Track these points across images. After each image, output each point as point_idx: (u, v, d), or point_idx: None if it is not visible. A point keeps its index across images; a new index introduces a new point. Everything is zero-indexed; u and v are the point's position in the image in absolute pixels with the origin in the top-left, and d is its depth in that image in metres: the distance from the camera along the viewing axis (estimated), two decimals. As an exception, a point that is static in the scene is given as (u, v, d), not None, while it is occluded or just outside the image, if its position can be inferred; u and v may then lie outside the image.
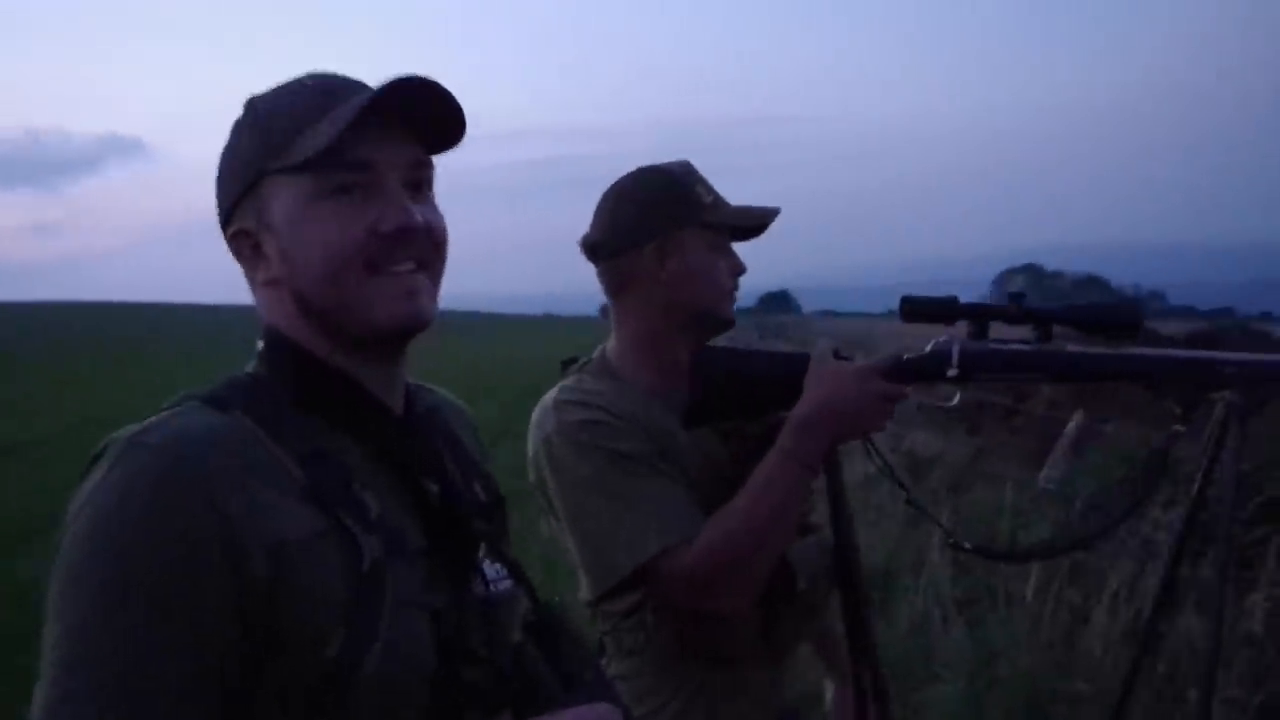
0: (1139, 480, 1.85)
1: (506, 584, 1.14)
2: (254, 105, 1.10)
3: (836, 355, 1.67)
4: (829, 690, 2.09)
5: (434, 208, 1.10)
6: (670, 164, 1.80)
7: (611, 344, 1.82)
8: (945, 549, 5.06)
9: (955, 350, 1.62)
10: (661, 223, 1.75)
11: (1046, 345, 1.63)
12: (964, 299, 1.66)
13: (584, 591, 1.71)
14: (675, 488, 1.66)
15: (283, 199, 1.05)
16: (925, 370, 1.64)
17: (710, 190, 1.78)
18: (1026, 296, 1.65)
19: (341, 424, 1.06)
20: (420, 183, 1.09)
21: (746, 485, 1.62)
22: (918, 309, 1.64)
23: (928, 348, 1.65)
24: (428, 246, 1.07)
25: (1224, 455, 1.70)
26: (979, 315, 1.65)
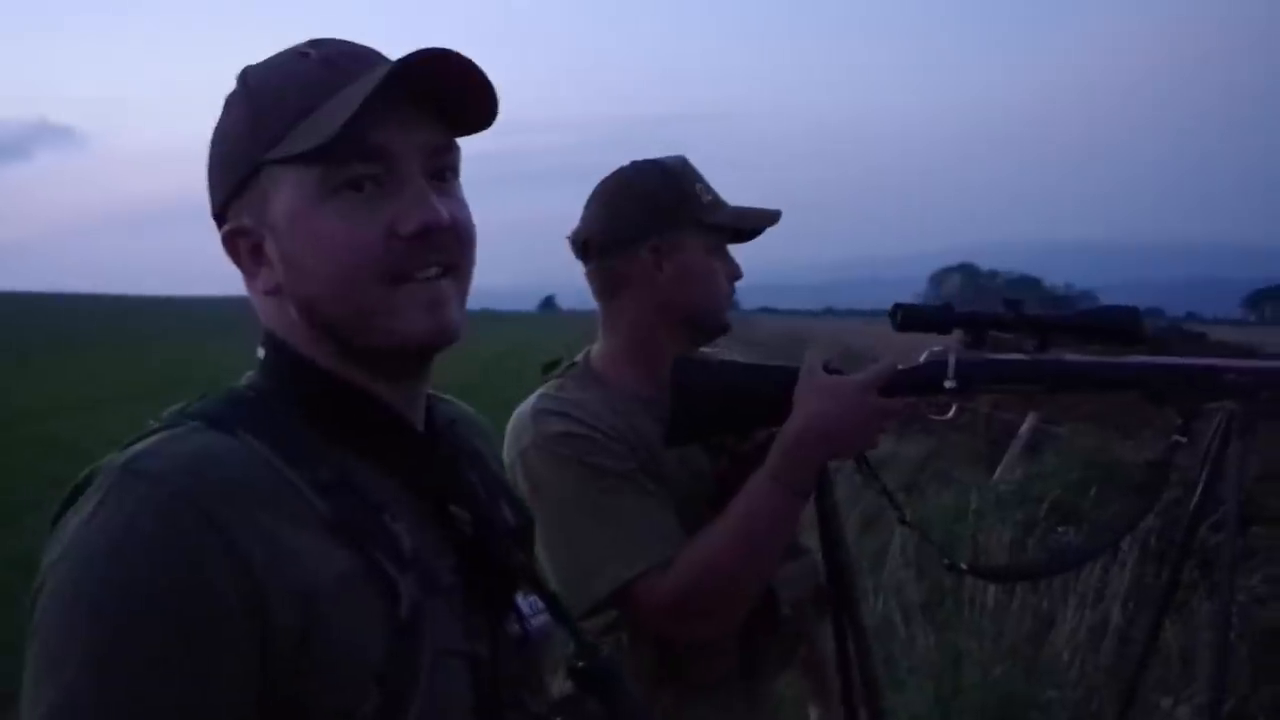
0: (1140, 492, 1.83)
1: (542, 620, 1.02)
2: (248, 79, 0.94)
3: (826, 368, 1.59)
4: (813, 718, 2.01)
5: (459, 199, 0.94)
6: (667, 159, 1.71)
7: (598, 348, 1.73)
8: (905, 550, 5.02)
9: (952, 361, 1.55)
10: (659, 222, 1.66)
11: (1044, 355, 1.58)
12: (900, 297, 1.61)
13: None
14: (657, 507, 1.59)
15: (285, 194, 0.89)
16: (921, 382, 1.57)
17: (709, 189, 1.70)
18: (1024, 303, 1.59)
19: (362, 446, 0.92)
20: (443, 170, 0.93)
21: (729, 508, 1.54)
22: (912, 317, 1.58)
23: (922, 358, 1.58)
24: (454, 247, 0.92)
25: (1228, 463, 1.67)
26: (975, 324, 1.59)
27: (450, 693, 0.89)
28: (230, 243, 0.94)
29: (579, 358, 1.74)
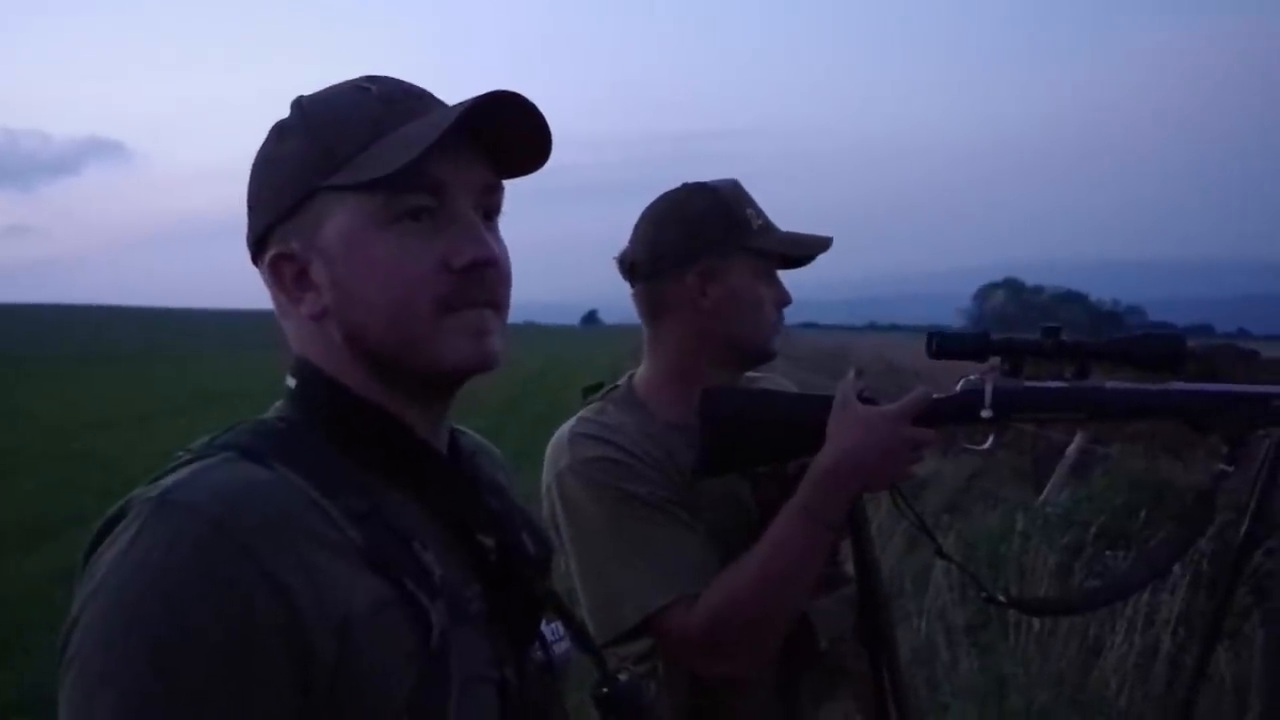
0: (1187, 521, 1.76)
1: (565, 646, 1.04)
2: (304, 108, 0.95)
3: (861, 397, 1.56)
4: None
5: (500, 239, 0.97)
6: (718, 182, 1.69)
7: (642, 371, 1.72)
8: (949, 572, 4.94)
9: (988, 390, 1.52)
10: (707, 246, 1.64)
11: (1084, 382, 1.54)
12: (943, 313, 1.57)
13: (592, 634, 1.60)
14: (691, 536, 1.57)
15: (339, 220, 0.91)
16: (957, 412, 1.54)
17: (760, 214, 1.68)
18: (1062, 329, 1.56)
19: (391, 473, 0.93)
20: (491, 209, 0.97)
21: (760, 541, 1.51)
22: (948, 346, 1.55)
23: (958, 387, 1.55)
24: (498, 283, 0.95)
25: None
26: (1012, 351, 1.55)
27: (479, 716, 0.90)
28: (275, 266, 0.94)
29: (622, 380, 1.73)
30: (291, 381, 0.96)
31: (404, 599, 0.85)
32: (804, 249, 1.69)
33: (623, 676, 1.06)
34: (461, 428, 1.13)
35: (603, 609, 1.56)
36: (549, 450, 1.65)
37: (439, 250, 0.91)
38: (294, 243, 0.93)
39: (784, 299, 1.69)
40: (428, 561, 0.89)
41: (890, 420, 1.50)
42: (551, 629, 1.03)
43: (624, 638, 1.55)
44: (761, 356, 1.70)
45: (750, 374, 1.79)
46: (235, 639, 0.76)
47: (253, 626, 0.77)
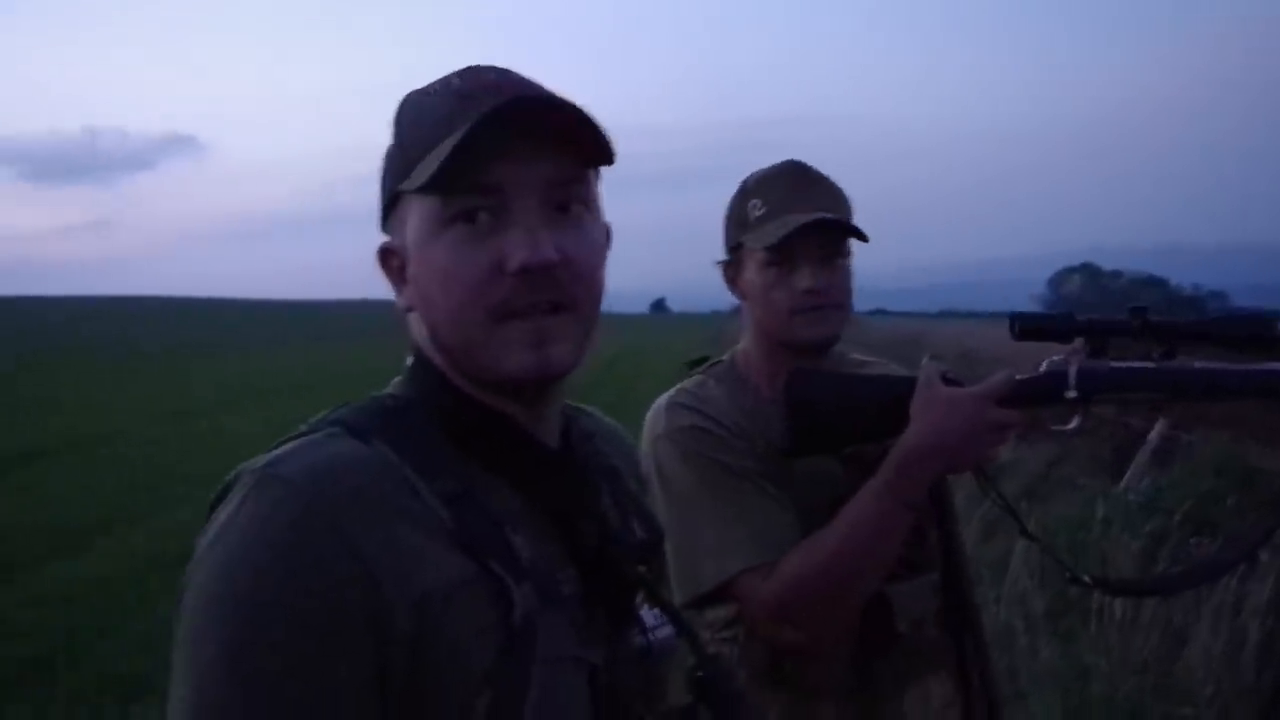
0: (1276, 507, 1.74)
1: (665, 632, 1.04)
2: (402, 108, 0.97)
3: (944, 378, 1.56)
4: None
5: (582, 232, 0.94)
6: (767, 168, 1.73)
7: (741, 346, 1.78)
8: (1028, 558, 4.88)
9: (1073, 371, 1.51)
10: (728, 239, 1.74)
11: (1171, 362, 1.51)
12: (1019, 298, 1.54)
13: (675, 597, 1.65)
14: (773, 506, 1.60)
15: (413, 222, 0.93)
16: (1041, 393, 1.52)
17: (767, 203, 1.68)
18: (1149, 310, 1.53)
19: (491, 461, 0.95)
20: (567, 202, 0.93)
21: (839, 517, 1.54)
22: (1031, 326, 1.54)
23: (1042, 367, 1.53)
24: (567, 283, 0.92)
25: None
26: (1097, 332, 1.53)
27: (567, 699, 0.91)
28: (383, 258, 0.98)
29: (727, 355, 1.79)
30: (409, 360, 1.00)
31: (488, 579, 0.87)
32: (779, 233, 1.63)
33: (716, 661, 1.07)
34: (587, 408, 1.16)
35: (684, 571, 1.60)
36: (648, 417, 1.72)
37: (494, 253, 0.90)
38: (395, 239, 0.97)
39: (799, 286, 1.65)
40: (516, 545, 0.90)
41: (974, 401, 1.51)
42: (653, 615, 1.03)
43: (702, 601, 1.60)
44: (792, 346, 1.68)
45: (859, 357, 1.82)
46: (321, 608, 0.81)
47: (338, 599, 0.81)
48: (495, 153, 0.89)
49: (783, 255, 1.65)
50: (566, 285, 0.92)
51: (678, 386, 1.74)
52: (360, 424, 0.91)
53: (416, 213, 0.92)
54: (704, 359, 1.81)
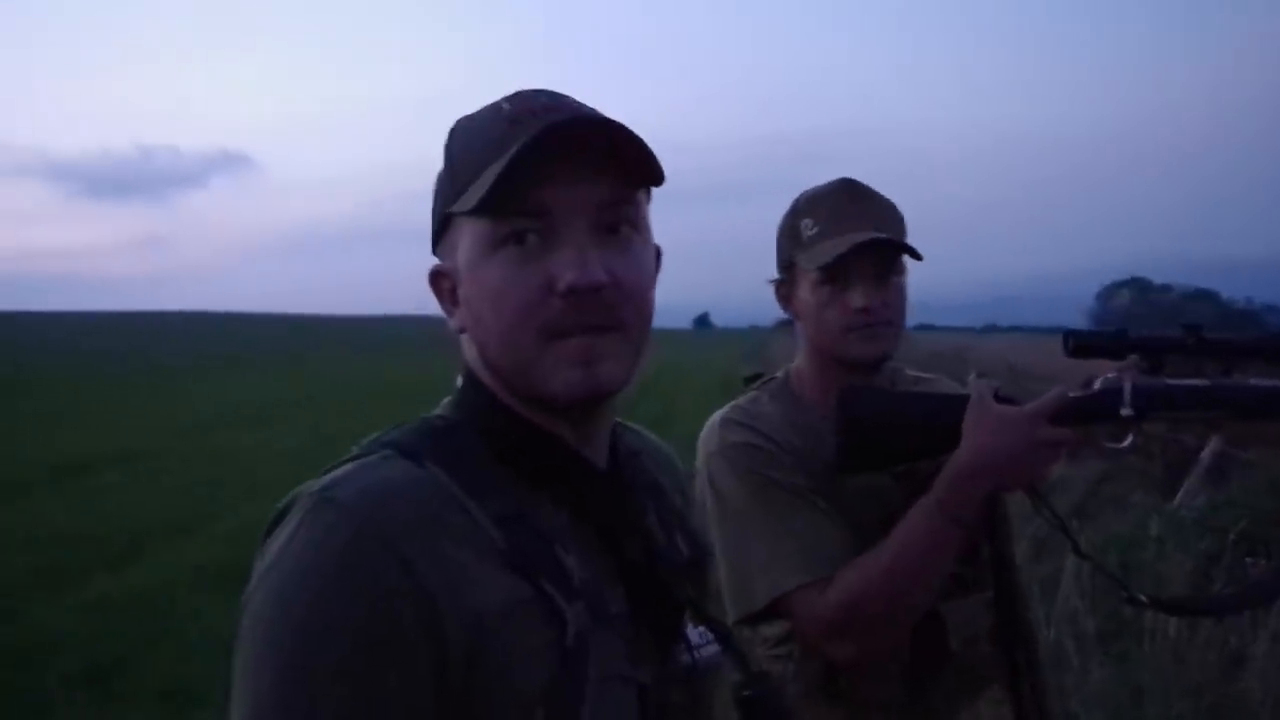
0: None
1: (712, 650, 1.04)
2: (453, 133, 0.99)
3: (997, 396, 1.55)
4: None
5: (631, 253, 0.95)
6: (819, 186, 1.73)
7: (795, 363, 1.78)
8: (1079, 577, 4.80)
9: (1128, 388, 1.49)
10: (780, 258, 1.74)
11: (1226, 380, 1.50)
12: (1066, 313, 1.52)
13: (728, 613, 1.66)
14: (825, 523, 1.60)
15: (464, 244, 0.95)
16: (1095, 411, 1.51)
17: (819, 222, 1.68)
18: (1204, 326, 1.52)
19: (540, 481, 0.96)
20: (616, 224, 0.94)
21: (892, 534, 1.53)
22: (1084, 343, 1.53)
23: (1096, 385, 1.52)
24: (616, 303, 0.93)
25: None
26: (1152, 349, 1.52)
27: (617, 714, 0.92)
28: (435, 281, 1.00)
29: (780, 372, 1.80)
30: (458, 382, 1.01)
31: (541, 599, 0.88)
32: (833, 253, 1.63)
33: (763, 679, 1.06)
34: (632, 425, 1.17)
35: (737, 587, 1.62)
36: (702, 434, 1.73)
37: (544, 275, 0.91)
38: (446, 262, 0.98)
39: (851, 304, 1.65)
40: (568, 564, 0.91)
41: (1027, 419, 1.50)
42: (698, 633, 1.03)
43: (756, 617, 1.62)
44: (844, 363, 1.68)
45: (914, 374, 1.82)
46: (377, 629, 0.82)
47: (393, 619, 0.82)
48: (545, 175, 0.90)
49: (836, 274, 1.64)
50: (615, 306, 0.92)
51: (731, 403, 1.75)
52: (412, 446, 0.93)
53: (467, 235, 0.94)
54: (759, 375, 1.82)
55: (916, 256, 1.66)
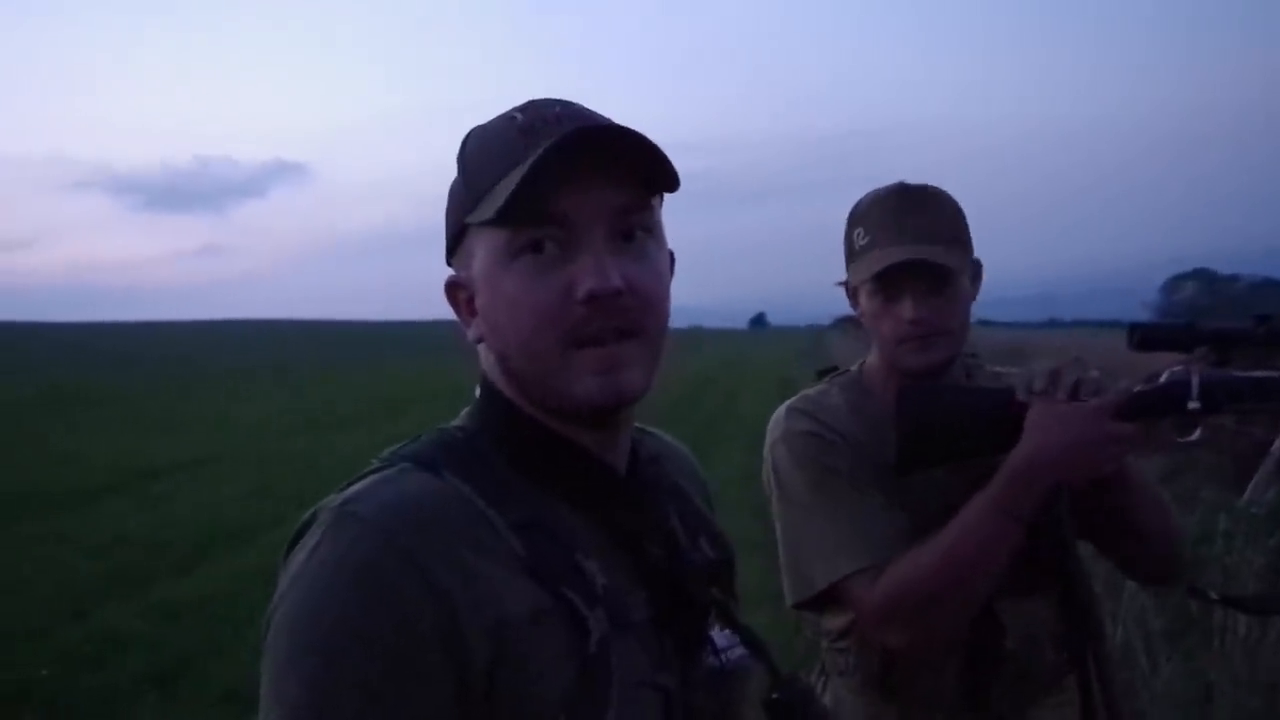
0: None
1: (739, 653, 1.03)
2: (466, 142, 1.00)
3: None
4: None
5: (647, 260, 0.95)
6: (876, 191, 1.72)
7: (869, 358, 1.80)
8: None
9: (1196, 381, 1.46)
10: (846, 264, 1.75)
11: None
12: (1129, 306, 1.49)
13: (786, 597, 1.70)
14: (883, 513, 1.61)
15: (480, 255, 0.96)
16: (1162, 404, 1.49)
17: (870, 231, 1.67)
18: (1274, 317, 1.50)
19: (560, 487, 0.97)
20: (632, 230, 0.94)
21: (949, 526, 1.53)
22: (1151, 336, 1.52)
23: (1163, 378, 1.50)
24: (634, 310, 0.93)
25: None
26: (1220, 340, 1.50)
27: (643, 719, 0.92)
28: (450, 292, 1.01)
29: (854, 366, 1.81)
30: (477, 392, 1.02)
31: (562, 606, 0.89)
32: (868, 271, 1.65)
33: (792, 682, 1.05)
34: (651, 429, 1.17)
35: (795, 573, 1.66)
36: (770, 422, 1.77)
37: (563, 282, 0.91)
38: (461, 272, 0.99)
39: (903, 315, 1.64)
40: (589, 571, 0.92)
41: (1091, 415, 1.47)
42: (725, 636, 1.02)
43: (812, 603, 1.65)
44: (903, 370, 1.68)
45: (996, 369, 1.81)
46: (399, 641, 0.83)
47: (414, 630, 0.83)
48: (561, 184, 0.90)
49: (887, 285, 1.64)
50: (634, 312, 0.93)
51: (800, 393, 1.79)
52: (430, 457, 0.94)
53: (484, 245, 0.94)
54: (833, 369, 1.84)
55: (950, 275, 1.63)
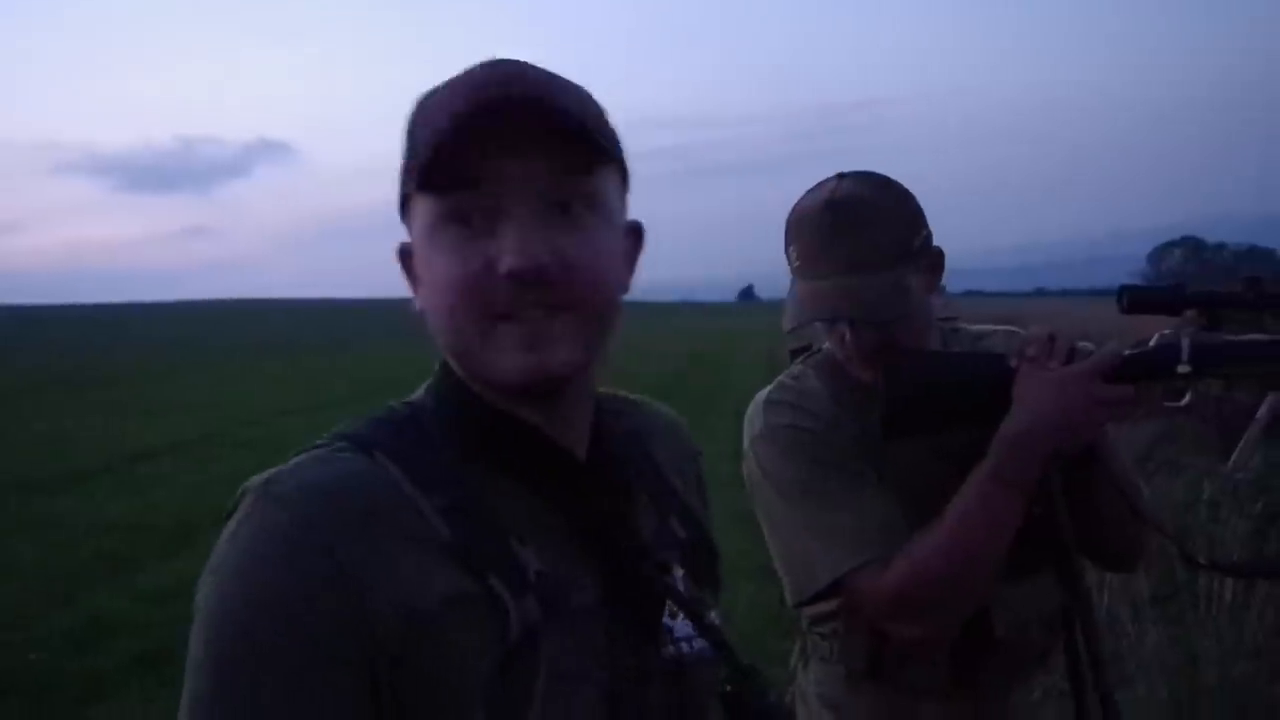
0: None
1: (701, 643, 0.98)
2: (413, 106, 0.95)
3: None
4: None
5: (583, 232, 0.90)
6: (807, 204, 1.64)
7: None
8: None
9: (1186, 344, 1.45)
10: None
11: None
12: (1116, 275, 1.47)
13: (786, 596, 1.65)
14: (879, 501, 1.57)
15: (417, 223, 0.93)
16: (1152, 367, 1.47)
17: (800, 255, 1.62)
18: (1264, 279, 1.47)
19: (506, 468, 0.93)
20: (568, 201, 0.89)
21: (952, 505, 1.50)
22: (1141, 299, 1.48)
23: (1152, 341, 1.48)
24: (566, 284, 0.88)
25: None
26: (1210, 303, 1.48)
27: (574, 714, 0.88)
28: (403, 260, 0.98)
29: (825, 344, 1.74)
30: (435, 366, 0.99)
31: (484, 593, 0.86)
32: (792, 323, 1.60)
33: (748, 673, 1.01)
34: (639, 399, 1.13)
35: (796, 571, 1.60)
36: (747, 414, 1.71)
37: (486, 256, 0.87)
38: (410, 239, 0.96)
39: (843, 341, 1.63)
40: (522, 556, 0.88)
41: (1082, 379, 1.46)
42: (685, 625, 0.98)
43: (815, 599, 1.59)
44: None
45: (976, 328, 1.77)
46: (304, 626, 0.81)
47: (320, 615, 0.81)
48: (489, 149, 0.86)
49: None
50: (566, 286, 0.88)
51: (776, 381, 1.72)
52: (366, 437, 0.92)
53: (419, 213, 0.91)
54: (805, 349, 1.78)
55: (873, 329, 1.59)
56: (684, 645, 0.97)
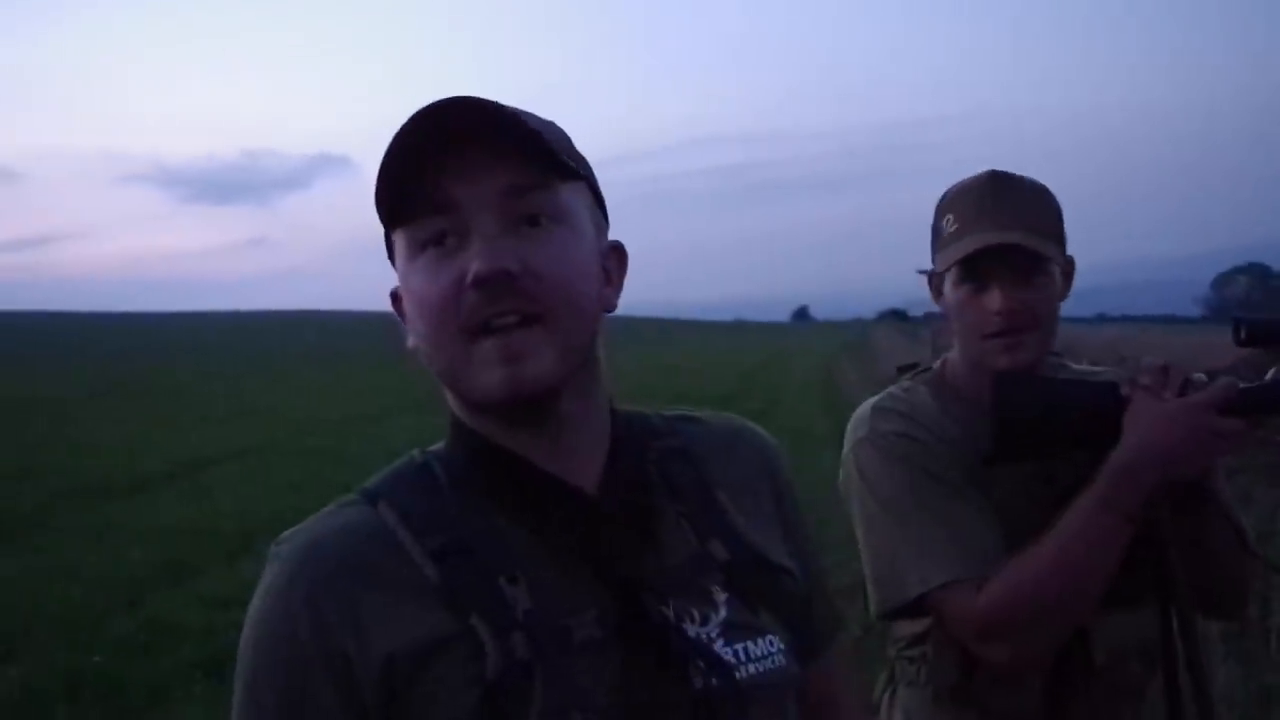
0: None
1: (759, 666, 0.95)
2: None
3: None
4: None
5: (551, 244, 0.91)
6: (965, 180, 1.64)
7: (952, 353, 1.72)
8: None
9: None
10: (932, 255, 1.67)
11: None
12: (1179, 301, 1.45)
13: (871, 606, 1.61)
14: (980, 519, 1.54)
15: (398, 257, 0.96)
16: (1268, 401, 1.45)
17: (958, 219, 1.59)
18: None
19: (502, 505, 0.95)
20: (534, 215, 0.91)
21: (1055, 529, 1.46)
22: (1258, 331, 1.45)
23: (1268, 375, 1.46)
24: (534, 294, 0.89)
25: None
26: None
27: None
28: (394, 304, 1.00)
29: (936, 362, 1.73)
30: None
31: (466, 632, 0.87)
32: (958, 255, 1.56)
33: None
34: (698, 413, 1.10)
35: (885, 580, 1.57)
36: (851, 420, 1.69)
37: (458, 270, 0.89)
38: (398, 278, 0.97)
39: (989, 306, 1.56)
40: (509, 595, 0.88)
41: (1197, 410, 1.43)
42: (740, 650, 0.94)
43: (901, 611, 1.56)
44: (988, 369, 1.59)
45: (1080, 367, 1.75)
46: (293, 677, 0.89)
47: (306, 667, 0.88)
48: (448, 172, 0.89)
49: (973, 273, 1.57)
50: (535, 295, 0.89)
51: (886, 390, 1.70)
52: (374, 489, 0.96)
53: (399, 247, 0.94)
54: (913, 365, 1.76)
55: (1047, 263, 1.55)
56: (745, 669, 0.94)
